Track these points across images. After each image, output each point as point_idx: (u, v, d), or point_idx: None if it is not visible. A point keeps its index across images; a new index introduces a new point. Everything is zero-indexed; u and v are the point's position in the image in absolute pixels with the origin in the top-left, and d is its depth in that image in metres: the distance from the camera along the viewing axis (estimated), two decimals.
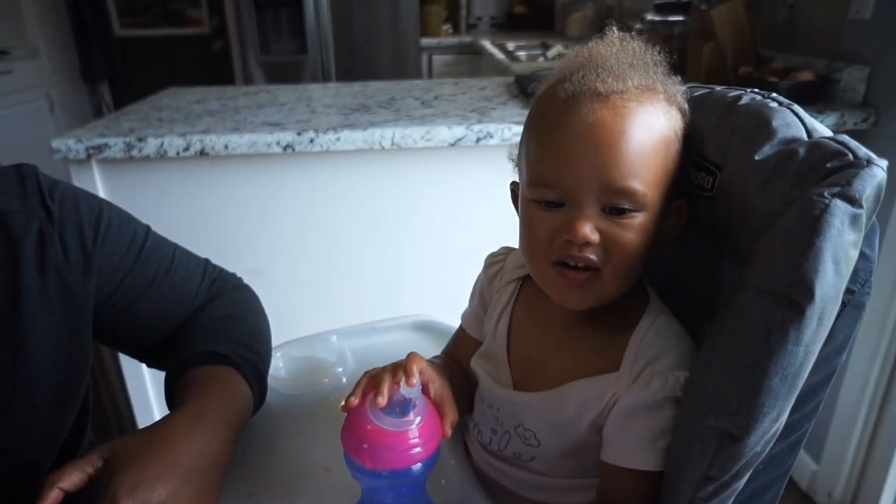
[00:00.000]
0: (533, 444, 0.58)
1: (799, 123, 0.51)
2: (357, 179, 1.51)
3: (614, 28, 0.56)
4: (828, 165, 0.45)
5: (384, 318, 0.93)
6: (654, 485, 0.52)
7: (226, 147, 1.39)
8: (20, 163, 0.67)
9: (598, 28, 0.57)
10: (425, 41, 3.76)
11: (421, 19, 3.74)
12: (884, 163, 0.44)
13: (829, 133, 0.50)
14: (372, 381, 0.53)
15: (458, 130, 1.41)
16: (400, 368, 0.52)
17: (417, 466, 0.50)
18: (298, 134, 1.39)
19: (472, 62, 3.70)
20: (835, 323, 0.44)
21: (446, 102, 1.70)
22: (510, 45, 3.25)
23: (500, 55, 3.00)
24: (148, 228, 0.76)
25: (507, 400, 0.60)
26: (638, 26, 2.15)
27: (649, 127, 0.51)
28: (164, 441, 0.56)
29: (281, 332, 0.84)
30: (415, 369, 0.52)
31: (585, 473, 0.57)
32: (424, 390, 0.54)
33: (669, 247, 0.58)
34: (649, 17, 2.04)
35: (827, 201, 0.42)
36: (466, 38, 3.84)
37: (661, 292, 0.59)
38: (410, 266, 1.60)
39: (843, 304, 0.45)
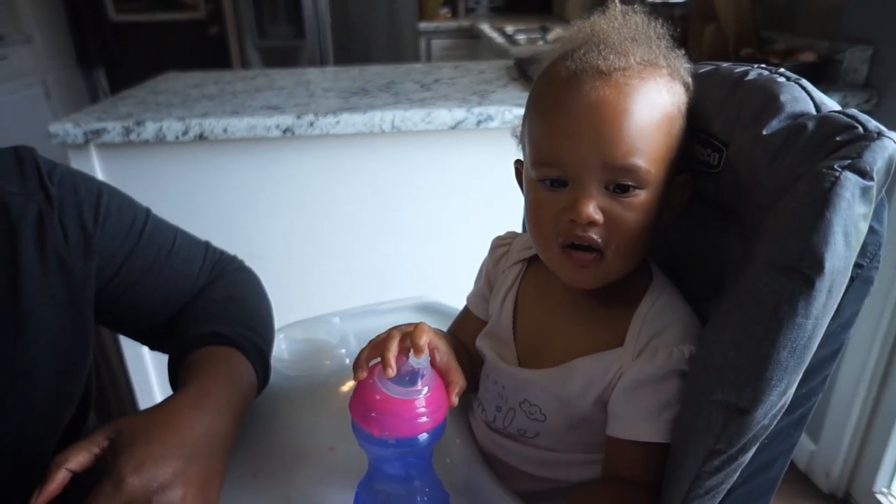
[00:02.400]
0: (539, 418, 0.58)
1: (807, 98, 0.50)
2: (357, 163, 1.50)
3: (616, 1, 0.55)
4: (837, 139, 0.45)
5: (386, 300, 0.93)
6: (660, 458, 0.52)
7: (224, 131, 1.38)
8: (18, 145, 0.66)
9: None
10: (423, 25, 3.72)
11: (419, 3, 3.70)
12: (895, 135, 0.44)
13: (837, 107, 0.49)
14: (376, 349, 0.52)
15: (459, 113, 1.40)
16: (406, 336, 0.52)
17: (424, 436, 0.50)
18: (298, 117, 1.38)
19: (470, 46, 3.66)
20: (843, 297, 0.44)
21: (446, 86, 1.68)
22: (509, 29, 3.22)
23: (499, 39, 2.98)
24: (148, 211, 0.75)
25: (512, 376, 0.60)
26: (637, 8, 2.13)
27: (652, 103, 0.50)
28: (168, 420, 0.56)
29: (282, 315, 0.84)
30: (423, 341, 0.51)
31: (590, 449, 0.57)
32: (430, 358, 0.54)
33: (676, 225, 0.57)
34: None
35: (837, 174, 0.42)
36: (465, 22, 3.80)
37: (667, 271, 0.59)
38: (411, 249, 1.60)
39: (852, 279, 0.45)
